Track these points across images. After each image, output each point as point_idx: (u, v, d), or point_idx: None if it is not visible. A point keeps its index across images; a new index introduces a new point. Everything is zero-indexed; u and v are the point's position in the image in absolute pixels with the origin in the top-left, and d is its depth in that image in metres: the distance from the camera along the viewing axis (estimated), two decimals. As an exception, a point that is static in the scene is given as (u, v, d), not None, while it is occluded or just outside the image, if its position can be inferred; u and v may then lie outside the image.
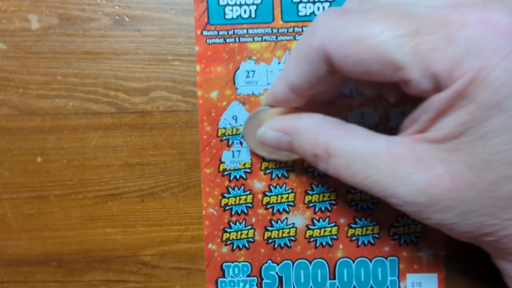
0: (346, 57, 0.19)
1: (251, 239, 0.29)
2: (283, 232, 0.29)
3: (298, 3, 0.28)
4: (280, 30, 0.28)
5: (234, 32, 0.28)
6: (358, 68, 0.19)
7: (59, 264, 0.30)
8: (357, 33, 0.19)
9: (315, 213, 0.29)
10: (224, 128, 0.28)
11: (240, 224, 0.29)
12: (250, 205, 0.29)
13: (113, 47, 0.28)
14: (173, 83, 0.28)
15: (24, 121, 0.29)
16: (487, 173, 0.18)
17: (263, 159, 0.29)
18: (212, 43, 0.28)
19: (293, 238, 0.29)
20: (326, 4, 0.27)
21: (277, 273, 0.29)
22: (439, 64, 0.18)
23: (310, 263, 0.29)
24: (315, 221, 0.29)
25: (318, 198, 0.29)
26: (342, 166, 0.21)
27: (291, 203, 0.29)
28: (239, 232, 0.29)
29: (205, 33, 0.28)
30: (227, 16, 0.28)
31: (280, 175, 0.29)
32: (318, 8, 0.28)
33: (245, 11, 0.28)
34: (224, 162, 0.29)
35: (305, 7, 0.28)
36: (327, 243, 0.29)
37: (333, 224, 0.29)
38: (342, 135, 0.22)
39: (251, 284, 0.29)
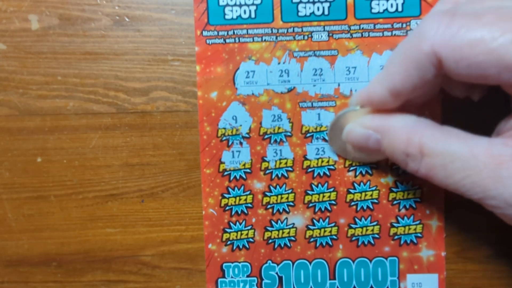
0: (460, 61, 0.19)
1: (251, 239, 0.29)
2: (283, 232, 0.29)
3: (298, 3, 0.28)
4: (280, 31, 0.28)
5: (234, 33, 0.28)
6: (472, 72, 0.20)
7: (59, 264, 0.30)
8: (473, 37, 0.19)
9: (315, 213, 0.29)
10: (224, 128, 0.28)
11: (240, 224, 0.29)
12: (250, 205, 0.29)
13: (113, 48, 0.28)
14: (173, 83, 0.28)
15: (24, 121, 0.29)
16: None
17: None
18: (212, 43, 0.28)
19: (293, 238, 0.29)
20: (326, 5, 0.27)
21: (277, 273, 0.29)
22: None
23: (310, 263, 0.29)
24: (315, 221, 0.29)
25: (318, 198, 0.29)
26: (437, 166, 0.21)
27: (291, 203, 0.29)
28: (239, 233, 0.29)
29: (205, 33, 0.28)
30: (227, 17, 0.28)
31: (280, 175, 0.29)
32: (318, 8, 0.28)
33: (244, 12, 0.28)
34: (224, 163, 0.29)
35: (305, 8, 0.28)
36: (327, 243, 0.29)
37: (333, 224, 0.29)
38: (438, 135, 0.21)
39: (251, 284, 0.29)
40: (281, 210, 0.29)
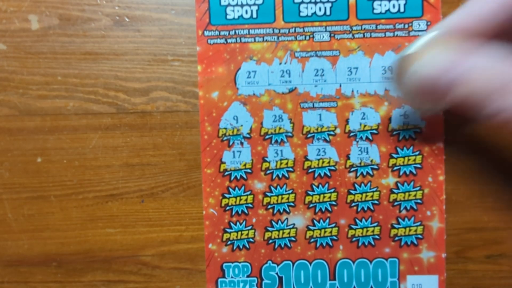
0: None
1: (251, 240, 0.29)
2: (283, 233, 0.29)
3: (300, 3, 0.27)
4: (282, 31, 0.28)
5: (235, 33, 0.28)
6: None
7: (59, 264, 0.30)
8: None
9: (315, 213, 0.29)
10: (225, 128, 0.28)
11: (241, 224, 0.29)
12: (250, 205, 0.29)
13: (113, 48, 0.28)
14: (173, 83, 0.28)
15: (24, 121, 0.29)
16: None
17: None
18: (213, 43, 0.28)
19: (293, 238, 0.29)
20: (328, 5, 0.27)
21: (277, 273, 0.29)
22: None
23: (310, 263, 0.29)
24: (315, 221, 0.29)
25: (319, 199, 0.29)
26: None
27: (292, 204, 0.29)
28: (239, 233, 0.29)
29: (206, 33, 0.28)
30: (228, 17, 0.28)
31: (280, 176, 0.29)
32: (320, 9, 0.27)
33: (246, 12, 0.28)
34: (224, 163, 0.29)
35: (307, 8, 0.27)
36: (327, 243, 0.29)
37: (333, 225, 0.29)
38: None
39: (251, 284, 0.29)
40: (281, 211, 0.29)
